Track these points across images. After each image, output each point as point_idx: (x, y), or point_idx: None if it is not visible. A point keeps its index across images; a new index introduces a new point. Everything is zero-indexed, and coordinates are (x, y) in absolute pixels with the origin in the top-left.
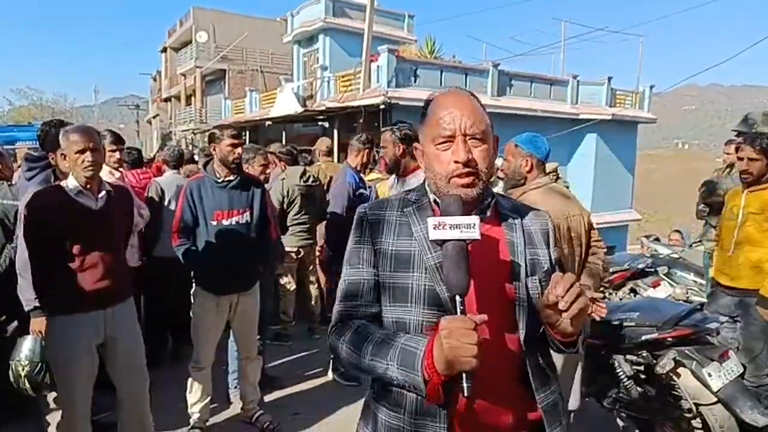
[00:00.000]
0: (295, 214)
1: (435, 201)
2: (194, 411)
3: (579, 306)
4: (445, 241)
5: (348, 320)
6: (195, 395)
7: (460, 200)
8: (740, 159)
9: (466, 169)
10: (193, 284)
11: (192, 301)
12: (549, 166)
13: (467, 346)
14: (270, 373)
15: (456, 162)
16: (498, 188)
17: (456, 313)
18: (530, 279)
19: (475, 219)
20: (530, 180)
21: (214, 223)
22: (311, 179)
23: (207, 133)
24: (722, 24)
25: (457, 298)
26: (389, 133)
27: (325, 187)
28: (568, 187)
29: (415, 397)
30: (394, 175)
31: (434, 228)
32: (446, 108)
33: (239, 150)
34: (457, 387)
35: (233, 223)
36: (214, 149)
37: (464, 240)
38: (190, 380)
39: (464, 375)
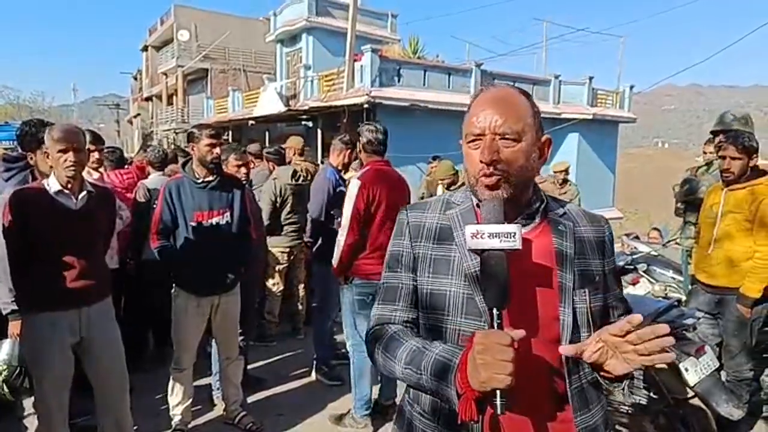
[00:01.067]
0: (287, 214)
1: (477, 205)
2: (176, 413)
3: (653, 347)
4: (484, 250)
5: (386, 325)
6: (176, 397)
7: (501, 206)
8: (722, 158)
9: (490, 170)
10: (173, 285)
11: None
12: (560, 165)
13: (502, 363)
14: (254, 374)
15: (481, 161)
16: None
17: (493, 327)
18: (578, 292)
19: (515, 228)
20: None
21: (194, 224)
22: (302, 178)
23: (186, 133)
24: (701, 25)
25: (495, 311)
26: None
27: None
28: (577, 187)
29: (449, 408)
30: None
31: (472, 237)
32: (481, 105)
33: (217, 150)
34: (491, 403)
35: (213, 223)
36: (193, 149)
37: (504, 250)
38: (171, 382)
39: (498, 392)
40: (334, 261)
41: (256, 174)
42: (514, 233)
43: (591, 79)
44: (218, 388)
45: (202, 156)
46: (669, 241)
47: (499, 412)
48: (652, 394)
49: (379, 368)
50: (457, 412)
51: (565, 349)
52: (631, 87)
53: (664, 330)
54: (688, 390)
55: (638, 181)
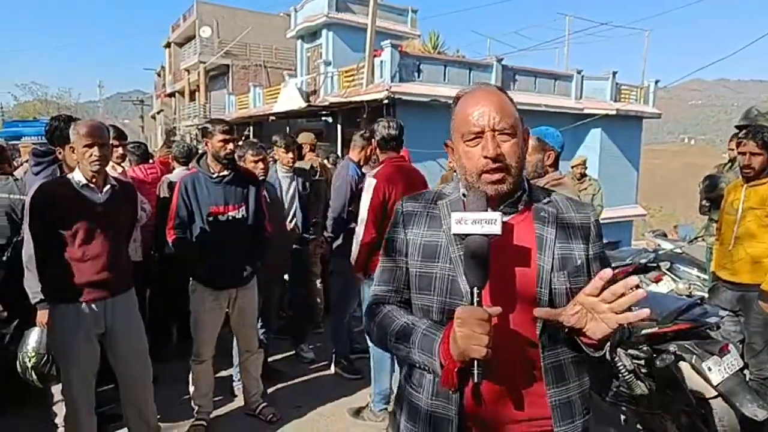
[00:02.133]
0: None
1: (464, 195)
2: (197, 404)
3: (625, 302)
4: (467, 235)
5: (381, 304)
6: (197, 388)
7: (485, 196)
8: (742, 154)
9: (496, 164)
10: (191, 279)
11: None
12: (576, 160)
13: (479, 335)
14: (274, 367)
15: (485, 157)
16: None
17: (473, 304)
18: (556, 274)
19: (496, 215)
20: (548, 174)
21: (210, 218)
22: (318, 173)
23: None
24: (729, 18)
25: (475, 290)
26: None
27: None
28: (598, 182)
29: (434, 378)
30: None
31: (456, 223)
32: (475, 104)
33: (231, 145)
34: (470, 372)
35: (229, 218)
36: (207, 144)
37: (485, 235)
38: (191, 373)
39: (476, 362)
40: (353, 257)
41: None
42: (495, 220)
43: (614, 74)
44: (239, 380)
45: (215, 151)
46: (695, 239)
47: (476, 380)
48: (674, 394)
49: (373, 342)
50: (441, 381)
51: (539, 311)
52: (656, 82)
53: (634, 282)
54: (711, 389)
55: (664, 178)
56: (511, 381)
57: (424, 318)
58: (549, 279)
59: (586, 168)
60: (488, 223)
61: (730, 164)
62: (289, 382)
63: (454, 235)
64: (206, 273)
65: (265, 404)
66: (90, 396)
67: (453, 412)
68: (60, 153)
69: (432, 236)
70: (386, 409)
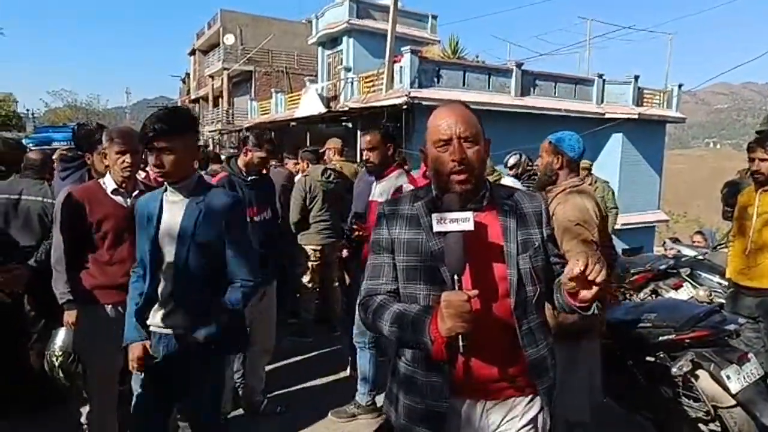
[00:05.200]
0: (318, 211)
1: (437, 196)
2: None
3: (599, 270)
4: (446, 232)
5: (373, 295)
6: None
7: (458, 198)
8: (751, 160)
9: (462, 167)
10: None
11: None
12: (582, 164)
13: (462, 314)
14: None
15: (453, 161)
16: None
17: (455, 289)
18: (521, 256)
19: (469, 214)
20: (561, 179)
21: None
22: (332, 176)
23: (237, 134)
24: (755, 20)
25: (455, 277)
26: (377, 134)
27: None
28: (608, 183)
29: (425, 354)
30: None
31: (437, 222)
32: (443, 117)
33: (264, 161)
34: (457, 346)
35: (257, 219)
36: (246, 153)
37: (461, 231)
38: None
39: (460, 336)
40: None
41: (274, 174)
42: (468, 218)
43: (637, 78)
44: (239, 384)
45: (252, 164)
46: (718, 245)
47: (461, 351)
48: (692, 402)
49: (369, 329)
50: (431, 355)
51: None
52: (680, 86)
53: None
54: (730, 398)
55: (689, 184)
56: (492, 348)
57: (413, 305)
58: (516, 262)
59: (589, 172)
60: (463, 221)
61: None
62: (301, 385)
63: (434, 232)
64: None
65: (266, 401)
66: (113, 395)
67: (445, 380)
68: (89, 159)
69: (413, 233)
70: (374, 402)
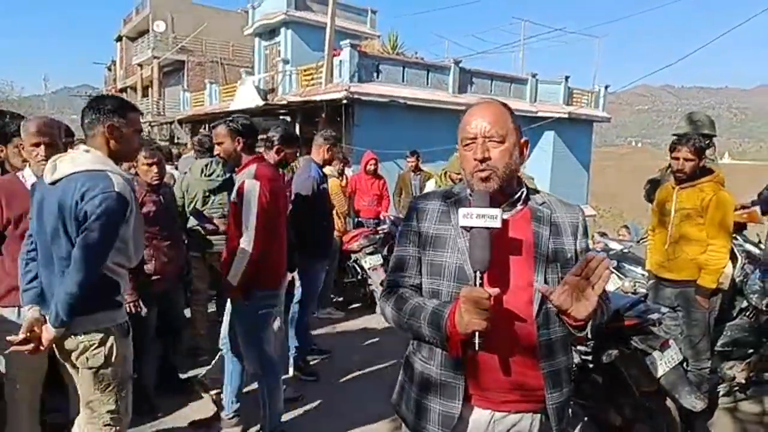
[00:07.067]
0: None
1: (470, 194)
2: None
3: (603, 279)
4: (472, 227)
5: (395, 288)
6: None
7: (488, 195)
8: (675, 159)
9: (483, 165)
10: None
11: None
12: None
13: (480, 311)
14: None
15: (475, 159)
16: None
17: (476, 285)
18: (550, 265)
19: (497, 211)
20: None
21: None
22: (218, 173)
23: (169, 126)
24: (676, 27)
25: (478, 273)
26: (224, 126)
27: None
28: (533, 180)
29: (442, 351)
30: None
31: (463, 217)
32: (472, 115)
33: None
34: (473, 344)
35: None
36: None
37: (487, 228)
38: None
39: (476, 334)
40: (233, 276)
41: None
42: (496, 215)
43: (567, 78)
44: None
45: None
46: (641, 239)
47: (477, 348)
48: (618, 387)
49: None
50: (446, 350)
51: (541, 287)
52: (606, 87)
53: (604, 255)
54: (654, 383)
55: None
56: (509, 354)
57: (434, 299)
58: (544, 269)
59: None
60: (490, 217)
61: (669, 168)
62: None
63: (461, 227)
64: None
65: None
66: (35, 404)
67: (460, 380)
68: (1, 151)
69: (442, 229)
70: (237, 411)
